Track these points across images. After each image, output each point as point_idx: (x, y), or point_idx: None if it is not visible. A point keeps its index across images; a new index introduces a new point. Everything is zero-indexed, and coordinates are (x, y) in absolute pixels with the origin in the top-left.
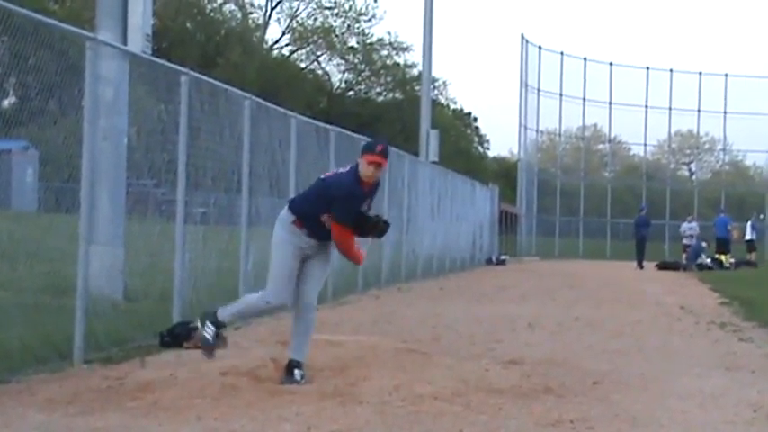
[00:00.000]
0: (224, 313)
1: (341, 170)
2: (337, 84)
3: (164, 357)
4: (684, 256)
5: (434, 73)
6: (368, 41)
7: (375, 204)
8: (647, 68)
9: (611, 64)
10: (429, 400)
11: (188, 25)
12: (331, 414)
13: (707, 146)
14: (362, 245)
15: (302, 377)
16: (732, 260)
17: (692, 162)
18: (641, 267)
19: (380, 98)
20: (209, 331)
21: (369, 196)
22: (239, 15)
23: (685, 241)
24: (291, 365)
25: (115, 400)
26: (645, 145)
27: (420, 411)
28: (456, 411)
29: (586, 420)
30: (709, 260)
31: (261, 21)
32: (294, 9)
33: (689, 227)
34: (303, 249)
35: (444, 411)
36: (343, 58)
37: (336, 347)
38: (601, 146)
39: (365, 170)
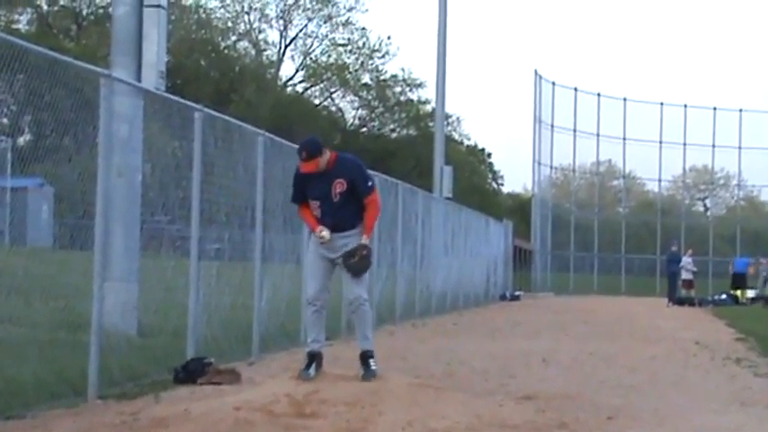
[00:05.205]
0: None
1: None
2: (351, 120)
3: (178, 393)
4: (685, 292)
5: (448, 109)
6: (381, 78)
7: (390, 236)
8: (662, 104)
9: (624, 99)
10: None
11: (202, 62)
12: None
13: (722, 181)
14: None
15: (375, 365)
16: (749, 295)
17: (706, 197)
18: (672, 304)
19: (394, 134)
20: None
21: (331, 178)
22: (253, 53)
23: (684, 275)
24: (365, 356)
25: None
26: (659, 180)
27: None
28: None
29: None
30: (723, 296)
31: (275, 58)
32: (308, 46)
33: (687, 261)
34: (322, 251)
35: None
36: (356, 94)
37: (350, 382)
38: (615, 181)
39: None
